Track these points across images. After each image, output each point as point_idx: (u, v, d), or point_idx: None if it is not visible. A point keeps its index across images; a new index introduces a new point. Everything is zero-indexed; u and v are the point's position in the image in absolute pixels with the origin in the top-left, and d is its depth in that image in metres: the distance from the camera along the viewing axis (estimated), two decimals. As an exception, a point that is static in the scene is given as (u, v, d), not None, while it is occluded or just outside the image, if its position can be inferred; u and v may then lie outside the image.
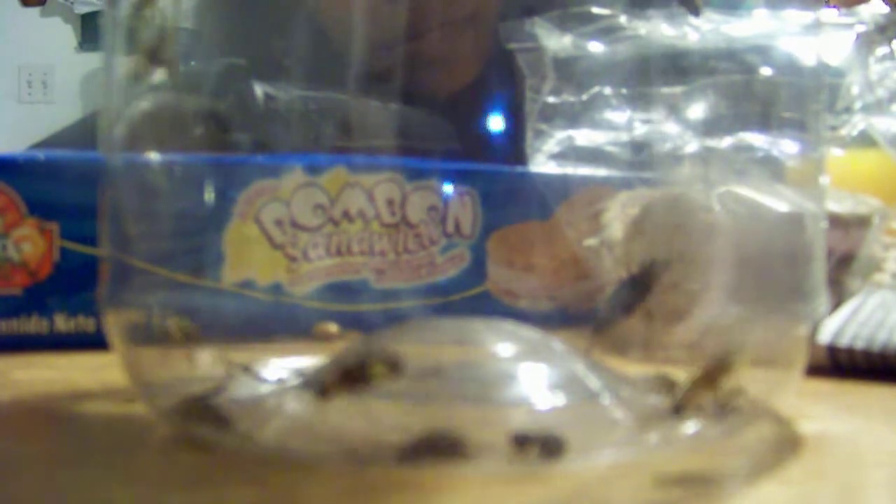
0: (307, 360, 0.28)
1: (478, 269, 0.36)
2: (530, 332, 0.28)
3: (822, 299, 0.28)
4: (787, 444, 0.26)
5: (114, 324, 0.27)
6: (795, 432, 0.27)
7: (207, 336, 0.30)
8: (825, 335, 0.34)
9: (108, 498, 0.20)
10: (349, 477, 0.21)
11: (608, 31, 0.37)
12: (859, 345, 0.33)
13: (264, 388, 0.27)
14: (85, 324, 0.38)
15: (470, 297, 0.36)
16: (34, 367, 0.34)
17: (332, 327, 0.31)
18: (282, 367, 0.28)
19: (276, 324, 0.33)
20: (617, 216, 0.34)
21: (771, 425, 0.27)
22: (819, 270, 0.28)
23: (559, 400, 0.25)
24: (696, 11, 0.32)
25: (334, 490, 0.21)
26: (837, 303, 0.37)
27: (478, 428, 0.24)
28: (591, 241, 0.34)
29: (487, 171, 0.36)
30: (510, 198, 0.36)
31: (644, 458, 0.24)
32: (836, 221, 0.39)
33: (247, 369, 0.27)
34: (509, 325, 0.28)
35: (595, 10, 0.37)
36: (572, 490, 0.21)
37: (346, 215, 0.33)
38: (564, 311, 0.32)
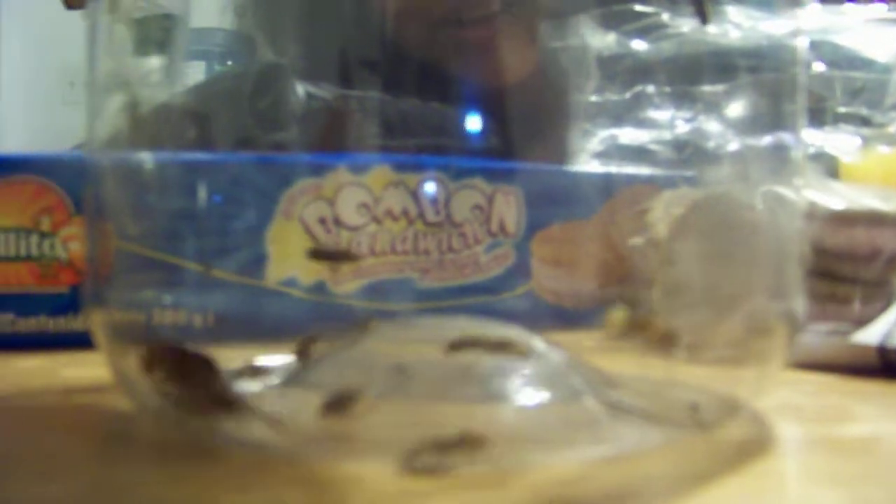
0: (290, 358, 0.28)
1: (522, 269, 0.36)
2: (514, 331, 0.28)
3: (799, 299, 0.28)
4: (837, 446, 0.25)
5: (99, 321, 0.27)
6: (844, 433, 0.26)
7: (244, 335, 0.31)
8: (875, 336, 0.33)
9: (159, 497, 0.20)
10: (400, 477, 0.21)
11: (651, 30, 0.37)
12: (910, 345, 0.33)
13: (248, 386, 0.27)
14: (133, 321, 0.38)
15: (514, 297, 0.36)
16: (82, 364, 0.34)
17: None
18: (273, 364, 0.28)
19: (320, 323, 0.33)
20: (662, 216, 0.34)
21: (818, 426, 0.27)
22: (794, 268, 0.28)
23: (541, 397, 0.25)
24: (705, 20, 0.32)
25: (389, 490, 0.21)
26: (887, 303, 0.36)
27: (464, 424, 0.24)
28: (635, 240, 0.33)
29: (532, 169, 0.36)
30: (554, 196, 0.36)
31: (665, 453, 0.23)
32: (885, 220, 0.39)
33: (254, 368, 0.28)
34: (493, 324, 0.28)
35: (638, 7, 0.37)
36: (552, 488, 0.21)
37: (390, 214, 0.33)
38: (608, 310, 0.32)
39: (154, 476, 0.22)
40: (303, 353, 0.28)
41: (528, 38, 0.43)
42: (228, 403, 0.24)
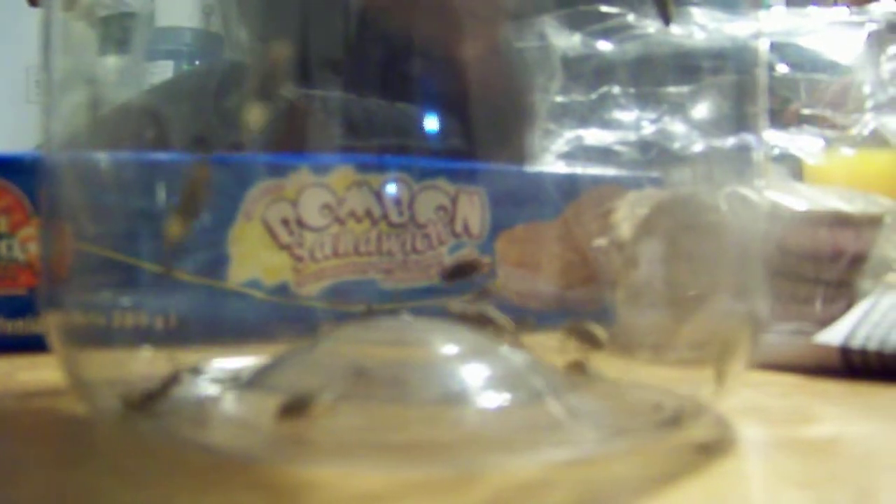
0: (248, 361, 0.28)
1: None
2: (474, 335, 0.28)
3: (762, 299, 0.28)
4: (801, 447, 0.25)
5: (56, 324, 0.27)
6: (808, 435, 0.26)
7: (206, 337, 0.30)
8: (838, 336, 0.34)
9: (115, 502, 0.20)
10: (359, 481, 0.21)
11: (617, 30, 0.37)
12: (872, 346, 0.33)
13: (206, 389, 0.27)
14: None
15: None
16: (39, 368, 0.34)
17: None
18: (225, 367, 0.28)
19: (282, 325, 0.33)
20: (626, 216, 0.34)
21: (782, 427, 0.27)
22: (758, 269, 0.28)
23: (503, 399, 0.25)
24: (667, 20, 0.32)
25: (347, 494, 0.21)
26: (849, 304, 0.37)
27: (425, 426, 0.24)
28: (599, 241, 0.33)
29: (496, 170, 0.36)
30: (519, 197, 0.36)
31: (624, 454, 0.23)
32: (848, 221, 0.39)
33: (194, 369, 0.27)
34: (453, 327, 0.28)
35: (604, 8, 0.37)
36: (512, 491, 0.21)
37: (353, 215, 0.33)
38: (573, 311, 0.32)
39: (110, 480, 0.22)
40: None
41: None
42: None
